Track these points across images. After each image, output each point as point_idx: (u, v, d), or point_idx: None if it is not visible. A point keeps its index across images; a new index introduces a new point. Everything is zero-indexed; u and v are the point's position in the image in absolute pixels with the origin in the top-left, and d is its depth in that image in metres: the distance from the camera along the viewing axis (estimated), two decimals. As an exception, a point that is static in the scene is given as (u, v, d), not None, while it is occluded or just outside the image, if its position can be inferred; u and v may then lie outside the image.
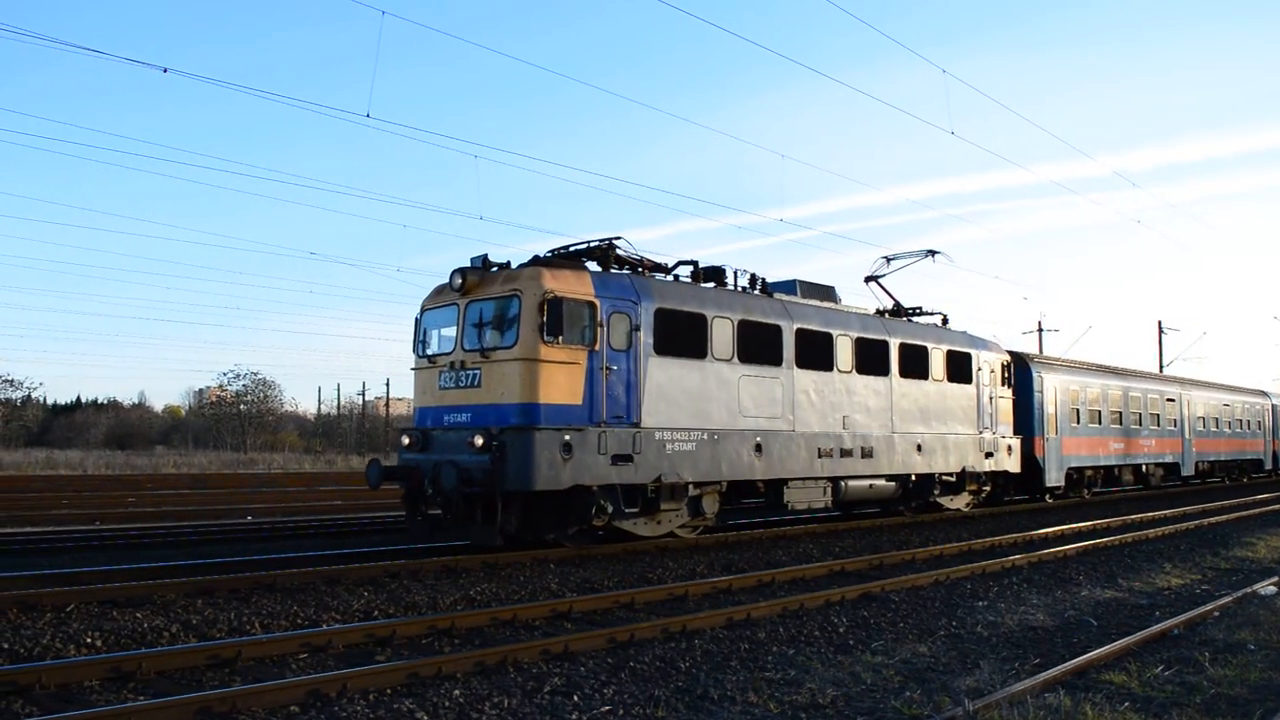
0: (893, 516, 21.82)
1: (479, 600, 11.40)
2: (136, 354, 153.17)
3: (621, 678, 8.03)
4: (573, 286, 14.72)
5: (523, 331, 14.29)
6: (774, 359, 17.62)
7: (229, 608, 10.51)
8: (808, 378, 18.25)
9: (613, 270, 16.08)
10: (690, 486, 16.03)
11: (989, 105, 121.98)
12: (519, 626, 10.05)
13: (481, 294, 15.01)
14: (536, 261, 15.41)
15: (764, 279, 18.94)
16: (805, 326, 18.35)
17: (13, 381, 77.31)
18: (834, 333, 18.97)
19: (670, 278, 17.22)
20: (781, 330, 17.83)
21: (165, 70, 17.61)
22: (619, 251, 16.54)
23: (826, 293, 20.17)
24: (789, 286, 19.72)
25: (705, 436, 16.16)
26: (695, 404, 16.08)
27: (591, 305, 14.80)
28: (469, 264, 15.42)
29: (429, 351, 15.74)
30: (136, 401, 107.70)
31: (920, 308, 23.00)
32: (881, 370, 20.03)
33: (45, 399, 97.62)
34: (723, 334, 16.67)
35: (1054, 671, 8.08)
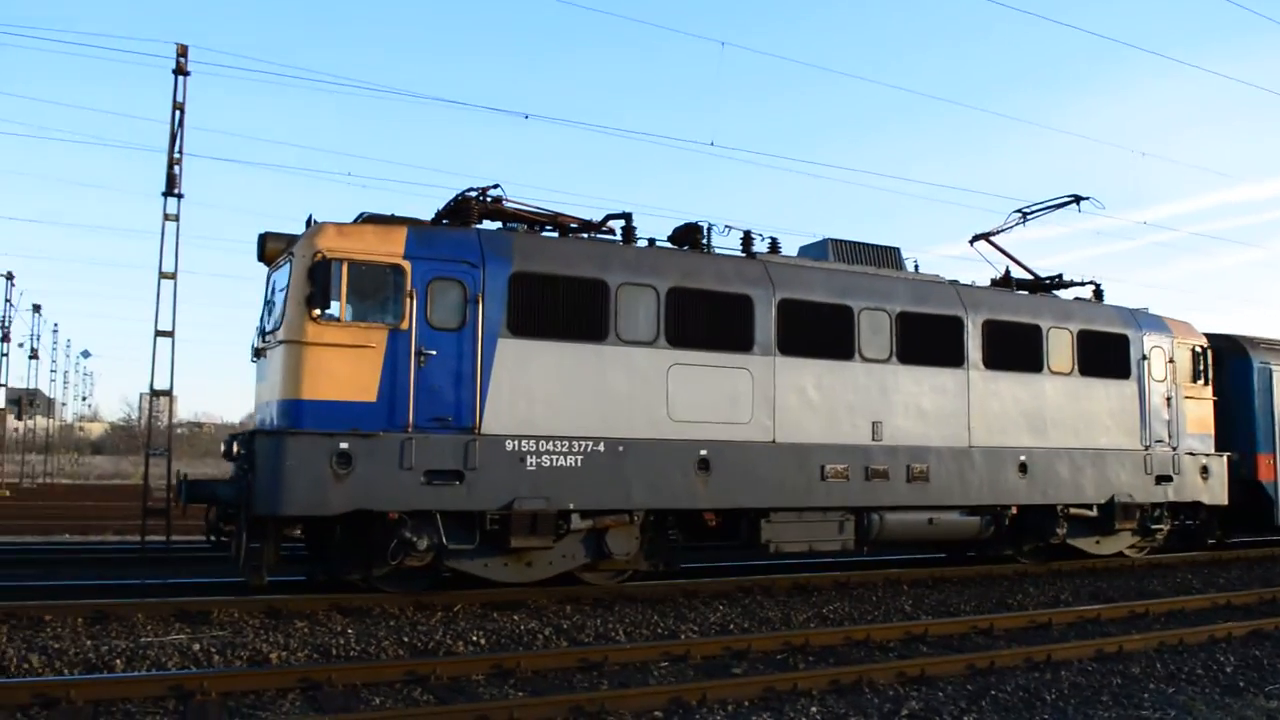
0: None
1: (831, 619, 11.01)
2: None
3: (982, 706, 7.52)
4: (367, 245, 10.48)
5: (289, 307, 10.30)
6: (738, 342, 12.14)
7: (594, 615, 10.69)
8: (804, 368, 12.49)
9: (480, 226, 11.56)
10: (576, 516, 11.04)
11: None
12: (872, 646, 9.62)
13: (278, 264, 11.18)
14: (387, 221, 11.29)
15: (775, 239, 13.41)
16: (797, 297, 12.60)
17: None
18: (856, 306, 12.95)
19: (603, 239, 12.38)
20: (753, 302, 12.27)
21: (526, 117, 20.28)
22: (505, 204, 11.97)
23: (882, 256, 14.06)
24: (819, 249, 13.94)
25: (601, 448, 11.15)
26: (585, 403, 11.17)
27: (396, 269, 10.48)
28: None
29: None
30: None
31: (1060, 276, 15.96)
32: (949, 358, 13.61)
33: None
34: (639, 307, 11.58)
35: None
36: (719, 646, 9.06)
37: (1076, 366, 14.68)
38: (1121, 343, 15.27)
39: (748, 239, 13.20)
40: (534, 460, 10.82)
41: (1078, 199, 15.98)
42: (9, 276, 40.09)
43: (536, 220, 12.28)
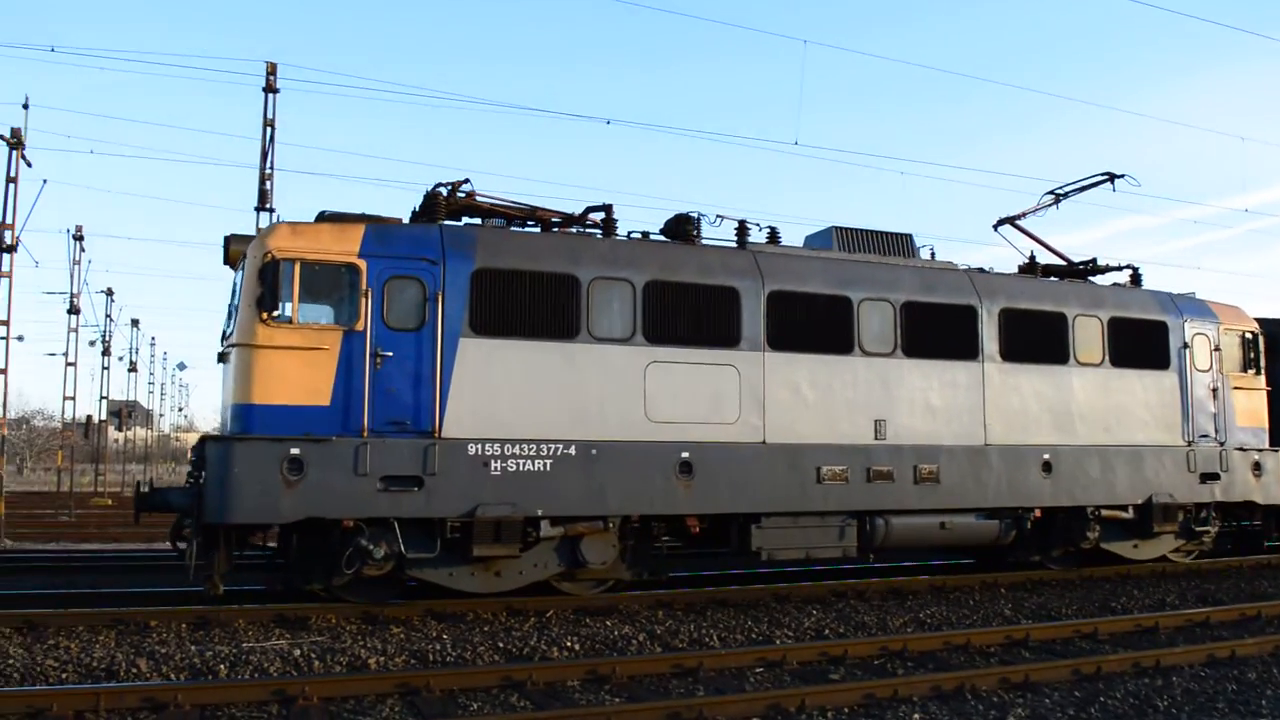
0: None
1: (929, 623, 10.80)
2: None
3: (1091, 713, 7.33)
4: (322, 244, 10.12)
5: (240, 309, 9.98)
6: (723, 338, 11.41)
7: (688, 620, 10.60)
8: (797, 364, 11.69)
9: (446, 222, 11.10)
10: (545, 523, 10.47)
11: None
12: (972, 652, 9.37)
13: (239, 265, 10.89)
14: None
15: (773, 229, 12.67)
16: (789, 289, 11.80)
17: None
18: (855, 297, 12.08)
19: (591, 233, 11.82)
20: (739, 295, 11.52)
21: (609, 122, 18.91)
22: (479, 199, 11.48)
23: (891, 244, 13.14)
24: (824, 238, 13.11)
25: (572, 451, 10.56)
26: (554, 405, 10.60)
27: (351, 269, 10.09)
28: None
29: None
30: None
31: (1094, 260, 14.75)
32: (962, 351, 12.61)
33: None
34: (613, 302, 10.97)
35: None
36: (815, 652, 8.93)
37: (1108, 357, 13.49)
38: (1159, 330, 13.98)
39: (742, 229, 12.46)
40: (498, 465, 10.28)
41: (1112, 177, 14.79)
42: (109, 292, 41.66)
43: (514, 215, 11.77)
